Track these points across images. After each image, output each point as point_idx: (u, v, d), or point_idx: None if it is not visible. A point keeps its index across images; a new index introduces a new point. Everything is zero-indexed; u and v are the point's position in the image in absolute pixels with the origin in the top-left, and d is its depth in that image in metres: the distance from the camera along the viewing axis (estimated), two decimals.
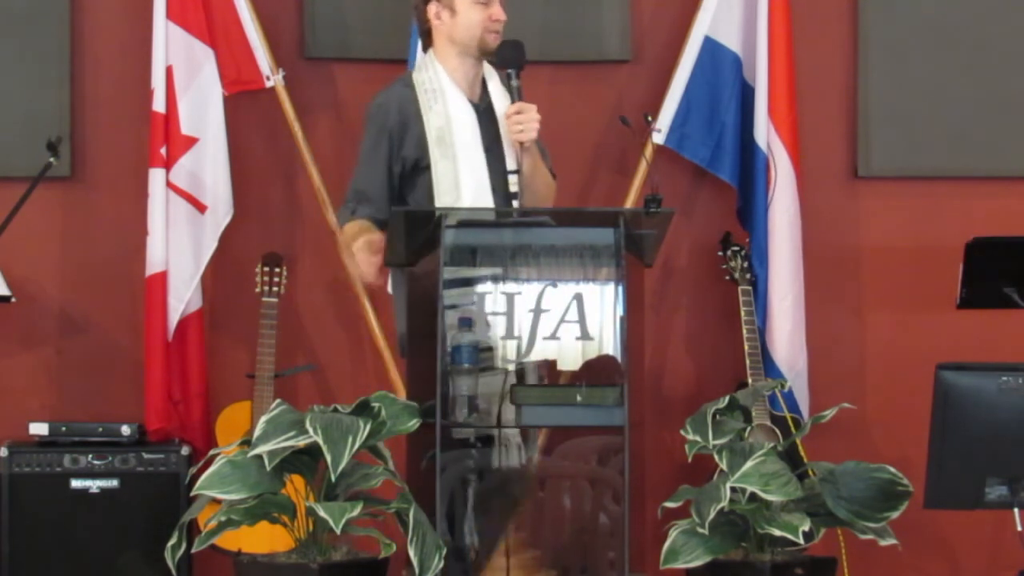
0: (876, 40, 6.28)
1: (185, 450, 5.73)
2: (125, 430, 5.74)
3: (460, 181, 5.01)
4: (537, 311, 4.71)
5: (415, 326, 4.99)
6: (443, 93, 5.07)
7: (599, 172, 6.23)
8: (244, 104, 6.04)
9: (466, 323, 4.67)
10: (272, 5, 6.10)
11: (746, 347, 5.92)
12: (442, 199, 5.02)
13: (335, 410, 4.66)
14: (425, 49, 5.21)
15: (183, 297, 5.83)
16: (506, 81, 5.10)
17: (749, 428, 4.94)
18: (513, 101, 5.03)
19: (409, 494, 4.61)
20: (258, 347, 5.84)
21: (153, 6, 5.84)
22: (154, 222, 5.81)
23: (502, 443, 4.82)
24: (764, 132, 6.03)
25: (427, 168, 5.05)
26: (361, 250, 5.01)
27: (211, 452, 4.82)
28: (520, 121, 4.99)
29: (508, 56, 5.07)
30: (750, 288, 5.99)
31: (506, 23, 5.11)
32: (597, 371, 4.73)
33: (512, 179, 5.06)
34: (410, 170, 5.09)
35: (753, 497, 4.77)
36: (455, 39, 5.10)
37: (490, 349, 4.71)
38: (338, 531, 4.46)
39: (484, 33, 5.07)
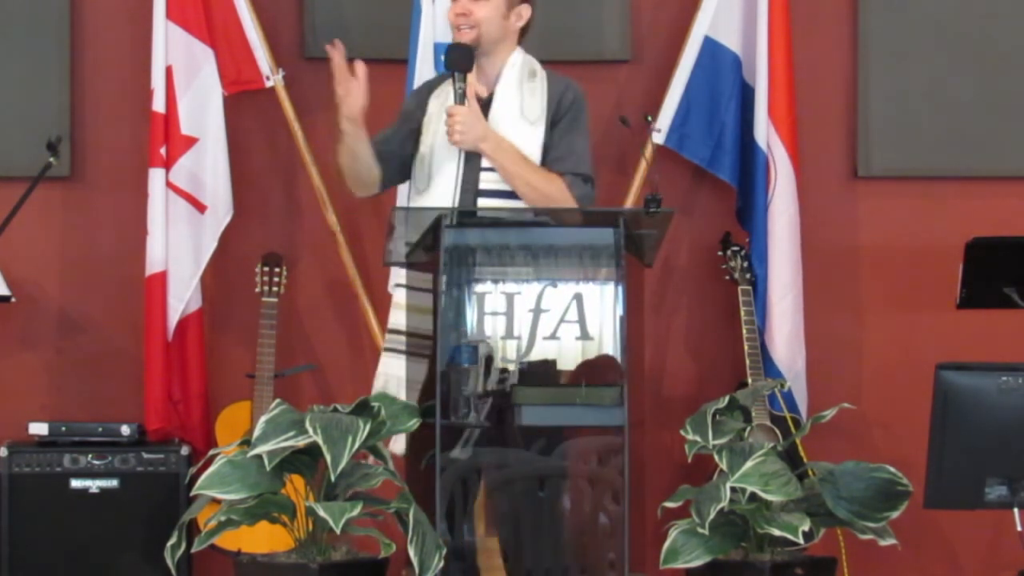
0: (876, 40, 6.28)
1: (185, 450, 5.73)
2: (125, 430, 5.74)
3: (432, 171, 5.03)
4: (537, 311, 4.71)
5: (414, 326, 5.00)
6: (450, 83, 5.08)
7: (599, 172, 6.17)
8: (244, 104, 6.04)
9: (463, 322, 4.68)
10: (272, 5, 6.10)
11: (746, 347, 5.92)
12: (416, 185, 5.08)
13: (335, 410, 4.66)
14: None
15: (183, 297, 5.83)
16: (452, 83, 5.07)
17: (749, 428, 4.95)
18: (455, 102, 4.98)
19: (409, 494, 4.61)
20: (258, 347, 5.84)
21: (153, 6, 5.84)
22: (154, 222, 5.81)
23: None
24: (764, 132, 6.03)
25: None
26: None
27: (211, 452, 4.82)
28: (450, 124, 4.97)
29: (453, 59, 5.04)
30: (750, 288, 5.99)
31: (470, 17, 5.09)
32: (597, 371, 4.73)
33: (487, 176, 5.01)
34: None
35: (753, 497, 4.77)
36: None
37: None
38: (338, 531, 4.47)
39: (453, 31, 5.09)
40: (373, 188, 5.18)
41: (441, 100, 5.08)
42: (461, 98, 4.98)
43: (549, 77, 5.15)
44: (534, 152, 5.04)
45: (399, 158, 5.15)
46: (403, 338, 5.09)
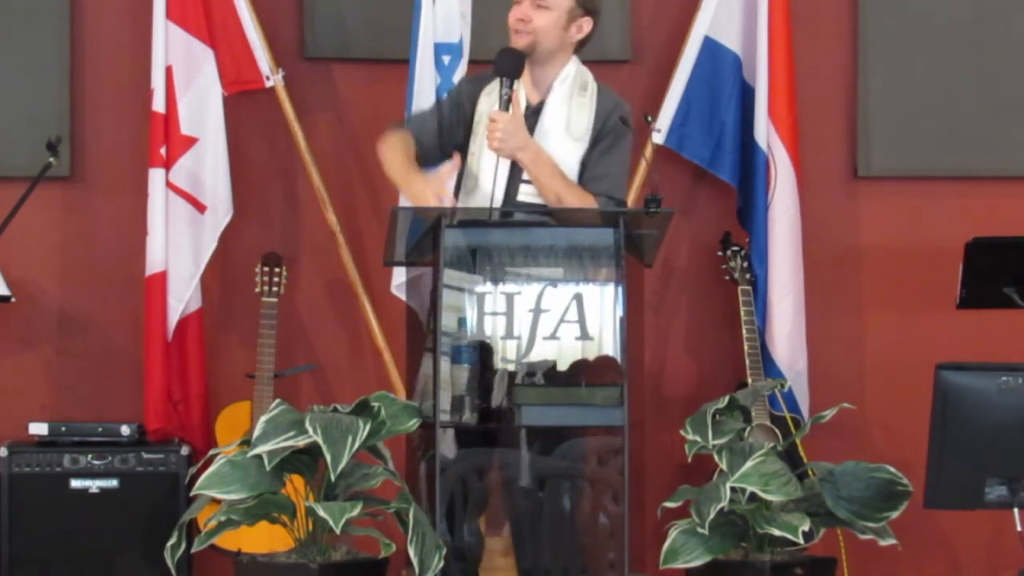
0: (876, 40, 6.28)
1: (185, 450, 5.73)
2: (125, 430, 5.74)
3: (480, 178, 4.97)
4: (537, 311, 4.71)
5: (415, 325, 4.99)
6: (494, 84, 5.00)
7: None
8: (244, 104, 6.04)
9: (463, 323, 4.68)
10: (272, 5, 6.10)
11: (746, 347, 5.92)
12: (465, 183, 4.97)
13: (335, 410, 4.66)
14: None
15: (183, 297, 5.83)
16: (499, 87, 5.02)
17: (749, 428, 4.94)
18: (500, 108, 4.91)
19: (409, 494, 4.61)
20: (258, 347, 5.84)
21: (153, 6, 5.84)
22: (154, 222, 5.81)
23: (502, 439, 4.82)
24: (764, 132, 6.03)
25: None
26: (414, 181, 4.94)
27: (211, 452, 4.82)
28: (491, 130, 4.88)
29: (503, 64, 4.95)
30: (750, 288, 5.99)
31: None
32: (597, 371, 4.73)
33: (526, 188, 4.96)
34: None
35: (753, 497, 4.77)
36: None
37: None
38: (338, 531, 4.47)
39: (511, 33, 5.03)
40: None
41: (492, 99, 5.00)
42: (506, 104, 4.90)
43: (600, 93, 5.06)
44: (573, 168, 4.97)
45: (437, 147, 5.06)
46: (445, 338, 5.03)
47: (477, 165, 4.97)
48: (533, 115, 5.00)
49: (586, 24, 5.03)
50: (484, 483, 4.88)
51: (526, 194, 4.95)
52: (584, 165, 4.99)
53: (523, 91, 4.99)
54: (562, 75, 5.04)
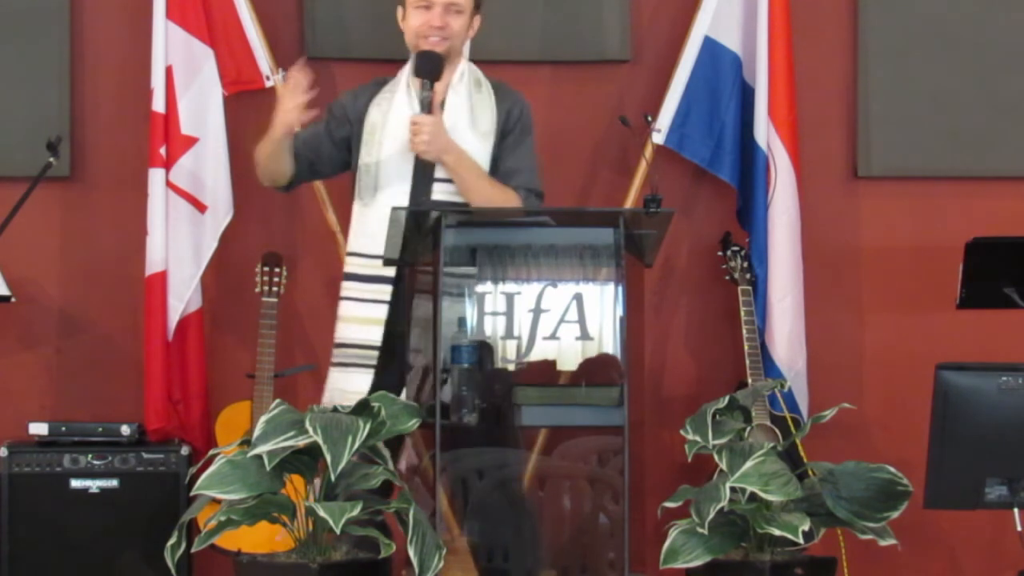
0: (876, 40, 6.28)
1: (185, 450, 5.73)
2: (125, 430, 5.74)
3: (379, 181, 5.04)
4: (537, 311, 4.71)
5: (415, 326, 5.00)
6: (394, 91, 5.13)
7: (599, 172, 6.23)
8: (244, 104, 6.03)
9: (463, 322, 4.68)
10: (272, 5, 6.10)
11: (746, 347, 5.92)
12: (360, 197, 5.09)
13: (335, 410, 4.66)
14: None
15: (183, 297, 5.83)
16: (419, 89, 5.07)
17: (749, 428, 4.94)
18: (422, 111, 5.01)
19: (409, 494, 4.61)
20: (258, 347, 5.84)
21: (153, 6, 5.84)
22: (154, 222, 5.81)
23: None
24: (764, 132, 6.03)
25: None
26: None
27: (211, 452, 4.82)
28: (415, 133, 4.98)
29: (422, 66, 5.08)
30: (750, 288, 5.99)
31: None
32: (597, 370, 4.73)
33: (439, 187, 5.03)
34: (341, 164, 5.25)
35: (753, 497, 4.77)
36: (407, 42, 5.17)
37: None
38: (338, 531, 4.47)
39: (418, 39, 5.10)
40: (281, 183, 5.28)
41: (383, 109, 5.11)
42: (428, 107, 4.99)
43: (496, 88, 5.20)
44: (484, 164, 5.09)
45: (314, 161, 5.25)
46: (351, 351, 5.10)
47: (377, 173, 5.07)
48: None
49: (477, 22, 5.23)
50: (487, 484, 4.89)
51: (441, 192, 5.04)
52: (495, 160, 5.10)
53: (415, 92, 5.10)
54: (458, 73, 5.16)
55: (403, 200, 5.00)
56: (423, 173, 5.03)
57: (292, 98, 5.01)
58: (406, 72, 5.17)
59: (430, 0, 5.10)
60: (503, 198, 5.05)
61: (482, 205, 5.01)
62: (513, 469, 4.93)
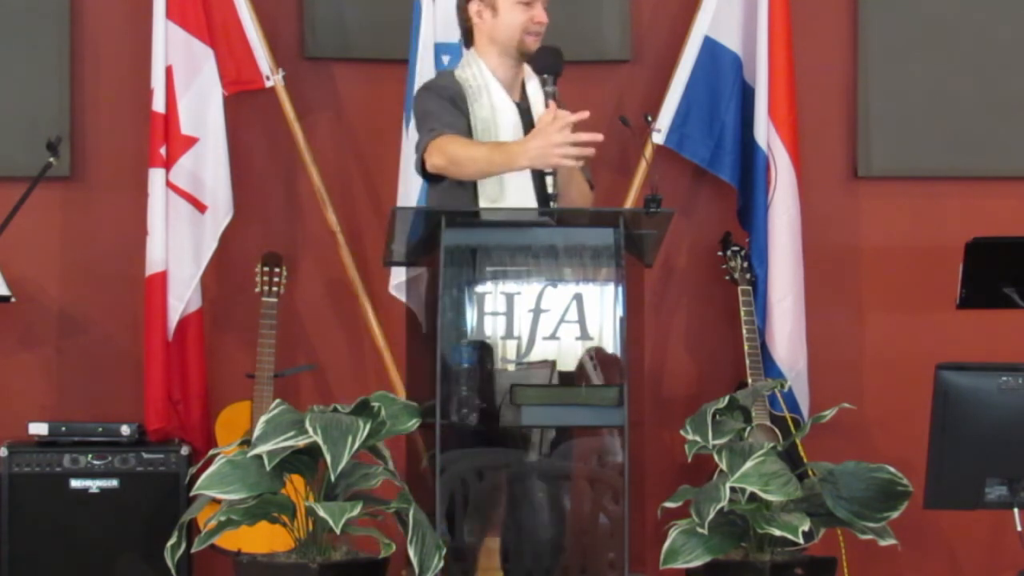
0: (876, 40, 6.28)
1: (185, 450, 5.73)
2: (125, 430, 5.74)
3: (504, 178, 4.93)
4: (537, 311, 4.71)
5: (415, 325, 4.99)
6: (487, 88, 4.98)
7: (599, 172, 6.19)
8: (244, 104, 6.04)
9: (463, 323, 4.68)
10: (272, 5, 6.10)
11: (746, 347, 5.92)
12: (486, 193, 4.93)
13: (335, 410, 4.66)
14: (467, 46, 5.12)
15: (183, 297, 5.83)
16: (542, 86, 4.99)
17: (749, 428, 4.94)
18: (546, 106, 4.86)
19: (409, 494, 4.61)
20: (258, 347, 5.84)
21: (153, 6, 5.84)
22: (154, 222, 5.81)
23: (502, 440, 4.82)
24: (764, 132, 6.03)
25: None
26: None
27: (211, 452, 4.82)
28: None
29: (545, 62, 4.96)
30: (750, 288, 5.99)
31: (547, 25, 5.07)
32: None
33: (549, 180, 4.92)
34: None
35: (753, 497, 4.77)
36: (495, 39, 5.01)
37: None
38: (338, 531, 4.46)
39: (524, 35, 4.99)
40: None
41: (485, 107, 4.96)
42: (553, 100, 4.88)
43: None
44: None
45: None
46: None
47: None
48: (525, 114, 5.02)
49: None
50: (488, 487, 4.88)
51: (551, 185, 4.93)
52: None
53: (504, 88, 5.00)
54: (526, 72, 5.08)
55: (531, 196, 4.92)
56: (539, 170, 4.95)
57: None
58: (484, 66, 5.03)
59: None
60: (588, 193, 5.06)
61: (575, 201, 4.97)
62: (513, 469, 4.92)
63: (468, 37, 5.10)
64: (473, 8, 5.04)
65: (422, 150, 4.89)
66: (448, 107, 4.94)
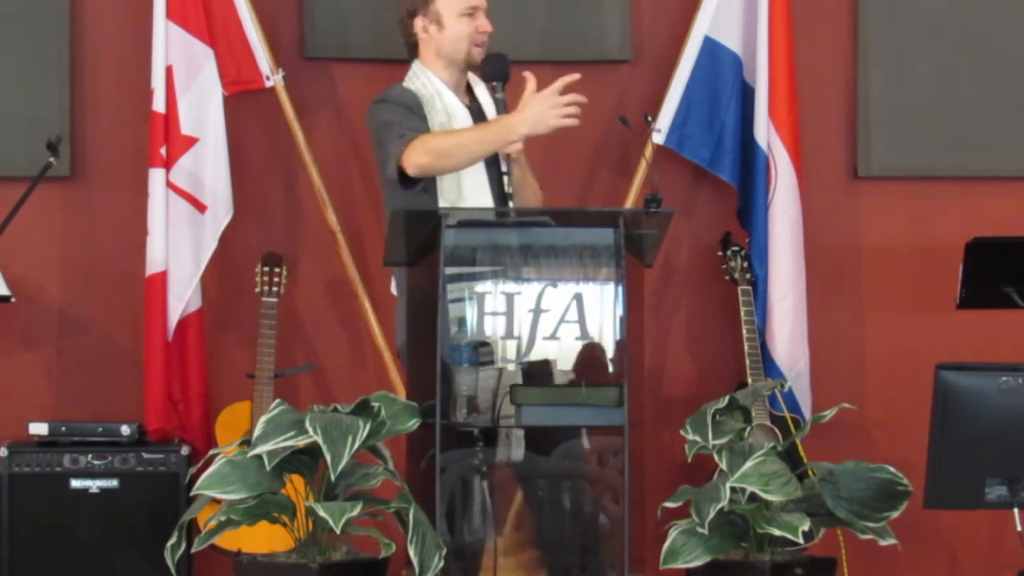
0: (876, 40, 6.28)
1: (185, 450, 5.73)
2: (125, 430, 5.74)
3: (461, 178, 5.02)
4: (537, 311, 4.71)
5: (415, 326, 4.99)
6: (439, 95, 5.11)
7: (599, 172, 6.23)
8: (244, 104, 6.04)
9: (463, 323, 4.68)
10: (272, 5, 6.10)
11: (746, 347, 5.92)
12: (444, 195, 5.02)
13: (335, 410, 4.66)
14: (411, 59, 5.24)
15: (183, 297, 5.83)
16: (491, 93, 5.12)
17: (749, 428, 4.94)
18: (499, 113, 5.05)
19: (409, 494, 4.61)
20: (258, 347, 5.84)
21: (153, 6, 5.84)
22: (154, 222, 5.81)
23: (503, 440, 4.82)
24: (764, 132, 6.03)
25: None
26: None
27: (211, 452, 4.82)
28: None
29: (493, 69, 5.12)
30: (750, 288, 5.99)
31: (493, 32, 5.18)
32: (589, 362, 4.73)
33: (505, 180, 5.06)
34: None
35: (753, 497, 4.77)
36: (442, 52, 5.16)
37: (487, 344, 4.72)
38: (338, 531, 4.47)
39: (471, 46, 5.14)
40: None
41: (440, 112, 5.06)
42: (504, 108, 5.02)
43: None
44: None
45: None
46: None
47: (459, 175, 5.02)
48: (477, 115, 5.13)
49: None
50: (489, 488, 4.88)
51: (506, 185, 5.09)
52: None
53: (455, 94, 5.13)
54: (469, 76, 5.22)
55: (488, 196, 5.04)
56: (493, 169, 5.05)
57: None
58: (432, 75, 5.12)
59: (474, 7, 5.14)
60: (540, 193, 5.19)
61: (530, 201, 5.10)
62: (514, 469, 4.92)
63: (413, 50, 5.23)
64: (418, 24, 5.18)
65: (397, 156, 4.96)
66: (408, 114, 5.04)
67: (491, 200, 5.04)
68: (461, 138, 4.96)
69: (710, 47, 6.05)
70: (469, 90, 5.24)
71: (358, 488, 4.68)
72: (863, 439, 6.13)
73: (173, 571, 4.65)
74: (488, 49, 5.19)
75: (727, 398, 4.94)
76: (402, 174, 4.97)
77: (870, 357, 6.30)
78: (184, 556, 4.70)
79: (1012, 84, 6.28)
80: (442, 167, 4.96)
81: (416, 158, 4.92)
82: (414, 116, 5.05)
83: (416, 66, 5.20)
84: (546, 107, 4.88)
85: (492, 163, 5.06)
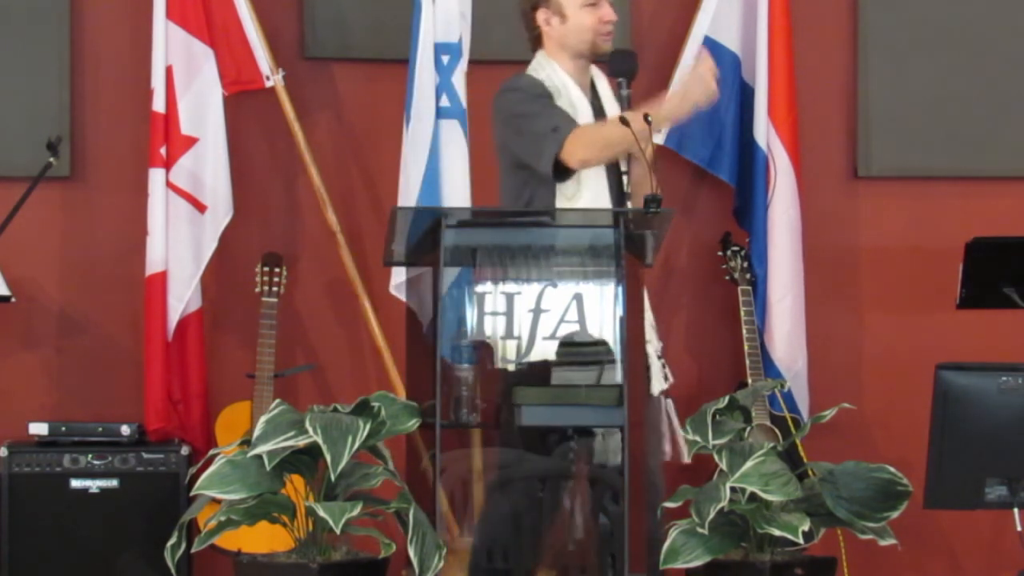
0: (876, 40, 6.28)
1: (185, 450, 5.73)
2: (125, 430, 5.74)
3: (581, 175, 4.95)
4: (537, 311, 4.71)
5: (415, 325, 5.00)
6: (565, 87, 5.01)
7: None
8: (244, 104, 6.04)
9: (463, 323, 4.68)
10: (272, 5, 6.10)
11: (746, 347, 5.92)
12: (563, 191, 4.94)
13: (335, 410, 4.66)
14: (534, 51, 5.12)
15: (183, 297, 5.83)
16: (616, 90, 5.02)
17: (749, 428, 4.94)
18: (623, 110, 4.91)
19: (409, 494, 4.61)
20: (258, 347, 5.84)
21: (153, 6, 5.84)
22: (154, 222, 5.81)
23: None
24: (764, 132, 6.04)
25: None
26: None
27: (211, 452, 4.82)
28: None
29: (620, 65, 5.01)
30: (750, 288, 5.99)
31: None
32: (584, 354, 4.73)
33: (624, 179, 4.98)
34: None
35: (753, 497, 4.77)
36: (566, 44, 5.03)
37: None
38: (338, 531, 4.47)
39: (595, 36, 5.02)
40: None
41: (565, 104, 4.96)
42: (629, 103, 4.93)
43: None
44: None
45: None
46: None
47: (580, 172, 4.93)
48: (599, 113, 5.04)
49: None
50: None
51: (625, 184, 5.01)
52: None
53: (580, 90, 5.02)
54: (593, 72, 5.11)
55: (606, 196, 4.96)
56: (615, 170, 4.99)
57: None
58: (557, 67, 5.04)
59: None
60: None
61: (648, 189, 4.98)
62: (513, 469, 4.92)
63: (536, 43, 5.11)
64: (541, 16, 5.06)
65: (557, 149, 4.85)
66: (550, 105, 4.95)
67: (608, 200, 4.96)
68: (617, 132, 4.81)
69: (710, 47, 6.05)
70: (591, 84, 5.13)
71: (358, 488, 4.68)
72: (863, 439, 6.13)
73: (173, 571, 4.65)
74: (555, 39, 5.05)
75: (727, 398, 4.94)
76: (556, 167, 4.90)
77: (870, 357, 6.30)
78: (184, 556, 4.70)
79: (1012, 84, 6.29)
80: (601, 161, 4.92)
81: (580, 152, 4.86)
82: (556, 107, 4.95)
83: (541, 57, 5.07)
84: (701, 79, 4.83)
85: (612, 163, 5.02)
